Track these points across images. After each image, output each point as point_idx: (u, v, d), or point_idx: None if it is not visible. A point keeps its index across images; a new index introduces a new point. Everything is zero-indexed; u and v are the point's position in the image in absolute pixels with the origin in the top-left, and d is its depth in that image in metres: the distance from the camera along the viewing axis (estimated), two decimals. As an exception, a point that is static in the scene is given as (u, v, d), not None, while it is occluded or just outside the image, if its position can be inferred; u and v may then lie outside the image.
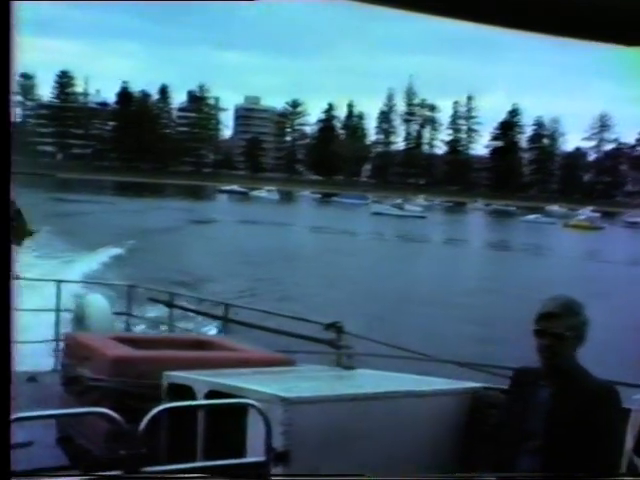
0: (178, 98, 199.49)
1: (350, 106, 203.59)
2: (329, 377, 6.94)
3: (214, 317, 10.48)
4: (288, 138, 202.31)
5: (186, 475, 4.96)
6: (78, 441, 7.16)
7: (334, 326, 7.82)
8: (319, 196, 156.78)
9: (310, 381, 6.62)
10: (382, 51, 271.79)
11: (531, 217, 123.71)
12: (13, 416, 4.49)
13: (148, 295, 12.35)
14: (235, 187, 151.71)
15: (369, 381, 6.62)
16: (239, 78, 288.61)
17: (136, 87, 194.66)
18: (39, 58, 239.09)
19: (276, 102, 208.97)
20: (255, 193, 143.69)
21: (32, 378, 10.97)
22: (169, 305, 11.50)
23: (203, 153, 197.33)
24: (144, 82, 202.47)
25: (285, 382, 6.28)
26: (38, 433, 7.61)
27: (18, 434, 7.11)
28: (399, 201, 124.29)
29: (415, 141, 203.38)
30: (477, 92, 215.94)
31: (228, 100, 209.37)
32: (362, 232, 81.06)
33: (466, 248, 74.40)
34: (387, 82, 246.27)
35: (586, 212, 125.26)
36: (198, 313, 10.88)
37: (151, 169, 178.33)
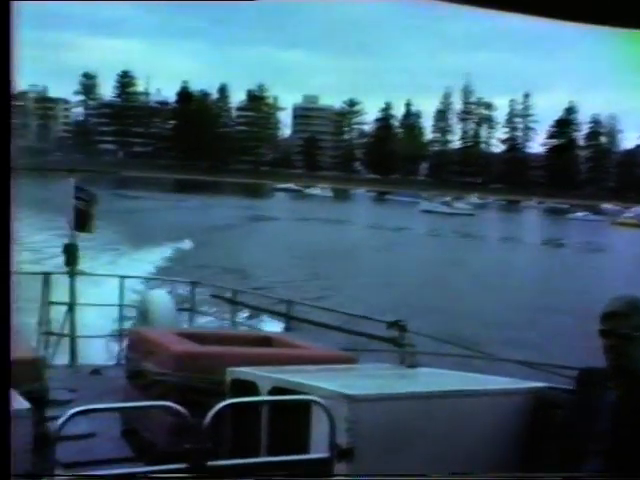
0: (238, 97, 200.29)
1: (408, 105, 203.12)
2: (392, 375, 6.89)
3: (277, 314, 10.46)
4: (345, 137, 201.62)
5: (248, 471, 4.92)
6: (142, 434, 7.19)
7: (397, 324, 7.76)
8: (373, 194, 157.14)
9: (373, 379, 6.57)
10: (441, 49, 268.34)
11: (579, 215, 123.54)
12: (78, 408, 4.57)
13: (211, 292, 12.38)
14: (291, 185, 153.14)
15: (432, 380, 6.55)
16: (301, 77, 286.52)
17: (198, 86, 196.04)
18: (104, 58, 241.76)
19: (337, 101, 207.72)
20: (309, 191, 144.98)
21: (96, 371, 11.06)
22: (232, 302, 11.50)
23: (261, 152, 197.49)
24: (206, 81, 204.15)
25: (348, 380, 6.25)
26: (102, 425, 7.66)
27: (82, 425, 7.20)
28: (448, 199, 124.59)
29: (472, 139, 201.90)
30: (535, 89, 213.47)
31: (289, 99, 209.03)
32: (419, 229, 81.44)
33: (518, 245, 74.60)
34: (445, 80, 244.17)
35: (637, 210, 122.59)
36: (261, 310, 10.85)
37: (210, 167, 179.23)
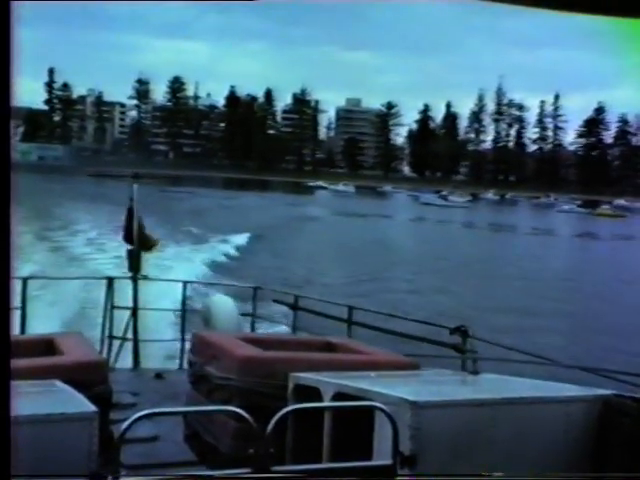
0: (290, 99, 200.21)
1: (448, 105, 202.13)
2: (455, 381, 6.63)
3: (338, 319, 10.18)
4: (386, 137, 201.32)
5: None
6: (205, 438, 6.97)
7: (459, 330, 7.46)
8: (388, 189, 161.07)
9: (436, 385, 6.31)
10: (508, 46, 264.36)
11: (566, 207, 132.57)
12: (143, 412, 4.36)
13: (273, 297, 12.10)
14: (320, 182, 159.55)
15: (495, 386, 6.23)
16: (363, 77, 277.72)
17: (260, 87, 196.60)
18: (169, 59, 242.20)
19: (401, 99, 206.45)
20: (334, 187, 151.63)
21: (159, 375, 10.87)
22: (293, 307, 11.23)
23: (305, 152, 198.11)
24: (268, 82, 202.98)
25: (411, 385, 6.01)
26: (166, 428, 7.47)
27: (146, 428, 7.00)
28: (444, 192, 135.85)
29: (514, 139, 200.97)
30: (567, 89, 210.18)
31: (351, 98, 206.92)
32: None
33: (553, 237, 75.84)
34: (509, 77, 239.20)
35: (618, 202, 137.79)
36: (322, 315, 10.56)
37: (257, 167, 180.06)
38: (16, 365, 6.10)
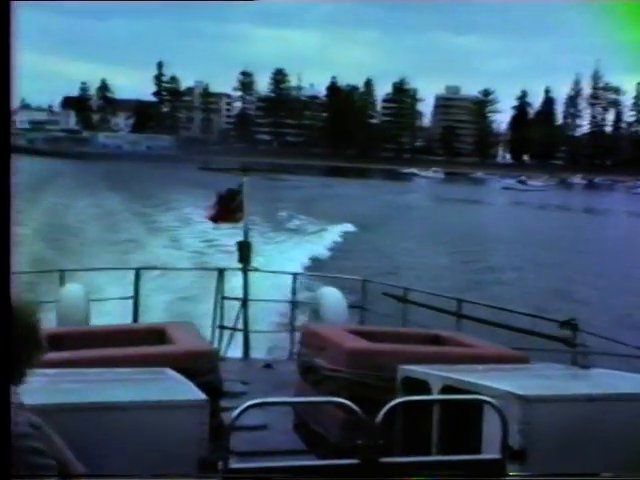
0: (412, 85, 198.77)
1: (547, 91, 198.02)
2: (564, 376, 6.39)
3: (447, 312, 10.00)
4: (482, 124, 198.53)
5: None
6: (314, 428, 6.91)
7: (569, 324, 7.20)
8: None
9: (545, 379, 6.10)
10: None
11: None
12: (253, 401, 4.32)
13: (382, 289, 11.96)
14: (412, 169, 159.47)
15: (607, 381, 5.97)
16: (472, 62, 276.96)
17: (368, 74, 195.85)
18: (278, 48, 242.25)
19: (508, 85, 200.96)
20: (424, 174, 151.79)
21: (268, 365, 10.90)
22: (402, 300, 11.09)
23: (404, 140, 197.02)
24: (376, 69, 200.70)
25: (520, 380, 5.82)
26: (275, 418, 7.45)
27: (256, 417, 6.99)
28: (523, 177, 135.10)
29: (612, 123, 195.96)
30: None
31: (462, 83, 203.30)
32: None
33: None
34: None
35: None
36: (431, 308, 10.39)
37: (356, 155, 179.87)
38: (129, 353, 6.19)
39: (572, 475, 4.65)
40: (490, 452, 4.65)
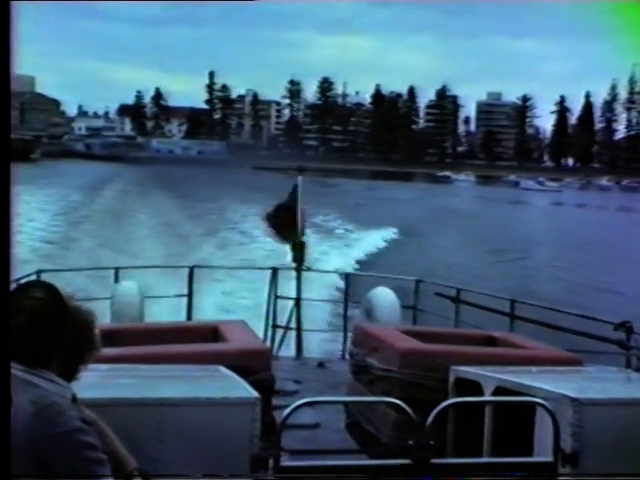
0: (459, 91, 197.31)
1: (587, 95, 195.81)
2: (619, 379, 6.12)
3: (500, 313, 9.74)
4: (521, 129, 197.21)
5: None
6: (365, 427, 6.72)
7: (624, 326, 6.91)
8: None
9: (599, 382, 5.83)
10: None
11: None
12: (306, 400, 4.19)
13: (435, 290, 11.69)
14: (446, 173, 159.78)
15: None
16: (531, 65, 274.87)
17: (422, 80, 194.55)
18: (333, 55, 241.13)
19: (564, 89, 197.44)
20: (455, 177, 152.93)
21: (321, 364, 10.75)
22: (455, 300, 10.84)
23: (446, 145, 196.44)
24: (431, 75, 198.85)
25: (573, 382, 5.57)
26: (327, 417, 7.30)
27: (308, 416, 6.83)
28: (541, 179, 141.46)
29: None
30: None
31: (517, 88, 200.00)
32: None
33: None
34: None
35: None
36: (484, 309, 10.13)
37: (400, 160, 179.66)
38: (182, 350, 6.05)
39: (623, 475, 4.44)
40: (542, 455, 4.48)
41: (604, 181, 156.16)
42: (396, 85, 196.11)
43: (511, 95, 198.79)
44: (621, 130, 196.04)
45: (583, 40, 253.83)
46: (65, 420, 2.87)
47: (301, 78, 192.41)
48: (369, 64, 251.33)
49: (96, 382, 4.19)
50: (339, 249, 34.84)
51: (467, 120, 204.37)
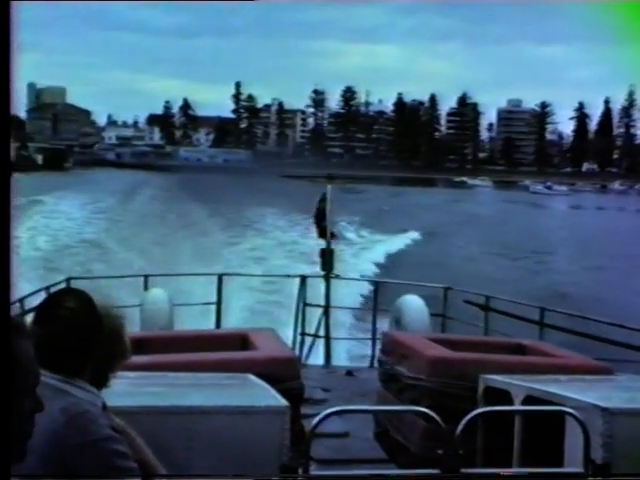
0: (483, 97, 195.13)
1: (607, 101, 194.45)
2: None
3: (530, 321, 9.55)
4: (540, 135, 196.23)
5: None
6: (394, 436, 6.57)
7: None
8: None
9: (630, 392, 5.65)
10: None
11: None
12: (334, 408, 4.08)
13: (464, 297, 11.51)
14: (463, 178, 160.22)
15: None
16: (559, 72, 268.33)
17: (452, 88, 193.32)
18: (360, 63, 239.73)
19: (591, 94, 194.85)
20: (472, 182, 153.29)
21: (349, 373, 10.61)
22: (484, 308, 10.65)
23: (467, 152, 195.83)
24: (458, 83, 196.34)
25: (604, 391, 5.38)
26: (356, 425, 7.17)
27: (337, 424, 6.70)
28: (549, 183, 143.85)
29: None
30: None
31: (541, 94, 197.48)
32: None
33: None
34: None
35: None
36: (514, 317, 9.94)
37: (422, 166, 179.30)
38: (211, 358, 5.95)
39: None
40: (572, 465, 4.34)
41: (617, 185, 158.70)
42: (422, 92, 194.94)
43: (535, 101, 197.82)
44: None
45: (609, 45, 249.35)
46: (96, 428, 2.83)
47: (327, 87, 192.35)
48: (395, 72, 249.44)
49: (125, 390, 4.10)
50: (362, 254, 34.72)
51: (490, 127, 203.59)
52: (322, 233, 12.13)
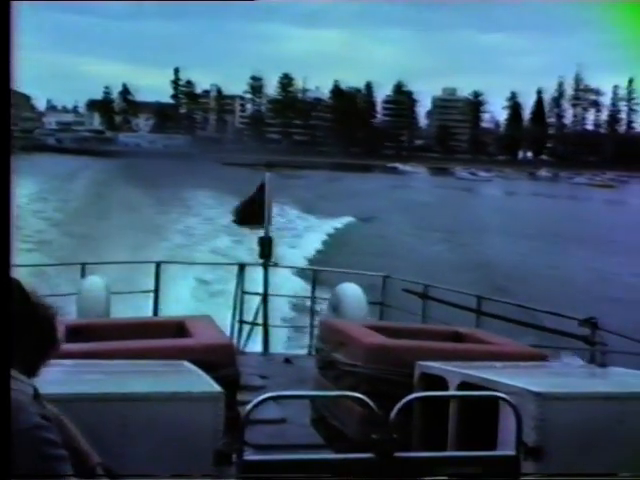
0: (423, 84, 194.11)
1: (539, 91, 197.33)
2: (582, 374, 6.04)
3: (467, 309, 9.59)
4: (473, 123, 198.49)
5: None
6: (331, 422, 6.54)
7: (589, 322, 6.78)
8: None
9: (562, 377, 5.74)
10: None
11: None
12: (269, 394, 4.02)
13: (403, 286, 11.49)
14: (396, 165, 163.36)
15: (624, 380, 5.55)
16: (501, 60, 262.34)
17: (394, 73, 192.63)
18: (308, 48, 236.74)
19: (542, 82, 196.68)
20: (403, 168, 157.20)
21: (287, 360, 10.54)
22: (423, 296, 10.65)
23: (403, 139, 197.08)
24: (401, 69, 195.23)
25: (537, 377, 5.48)
26: (293, 412, 7.13)
27: (274, 411, 6.63)
28: (473, 170, 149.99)
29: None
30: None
31: (492, 82, 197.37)
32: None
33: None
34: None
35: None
36: (451, 305, 9.97)
37: (359, 153, 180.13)
38: (147, 345, 5.83)
39: (589, 475, 4.30)
40: (505, 448, 4.38)
41: (544, 172, 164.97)
42: (362, 78, 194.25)
43: (472, 89, 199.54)
44: (569, 125, 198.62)
45: (552, 35, 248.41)
46: (25, 417, 2.74)
47: (267, 72, 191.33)
48: (336, 57, 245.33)
49: (61, 378, 4.06)
50: (301, 240, 34.70)
51: (429, 115, 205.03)
52: (251, 220, 12.00)
